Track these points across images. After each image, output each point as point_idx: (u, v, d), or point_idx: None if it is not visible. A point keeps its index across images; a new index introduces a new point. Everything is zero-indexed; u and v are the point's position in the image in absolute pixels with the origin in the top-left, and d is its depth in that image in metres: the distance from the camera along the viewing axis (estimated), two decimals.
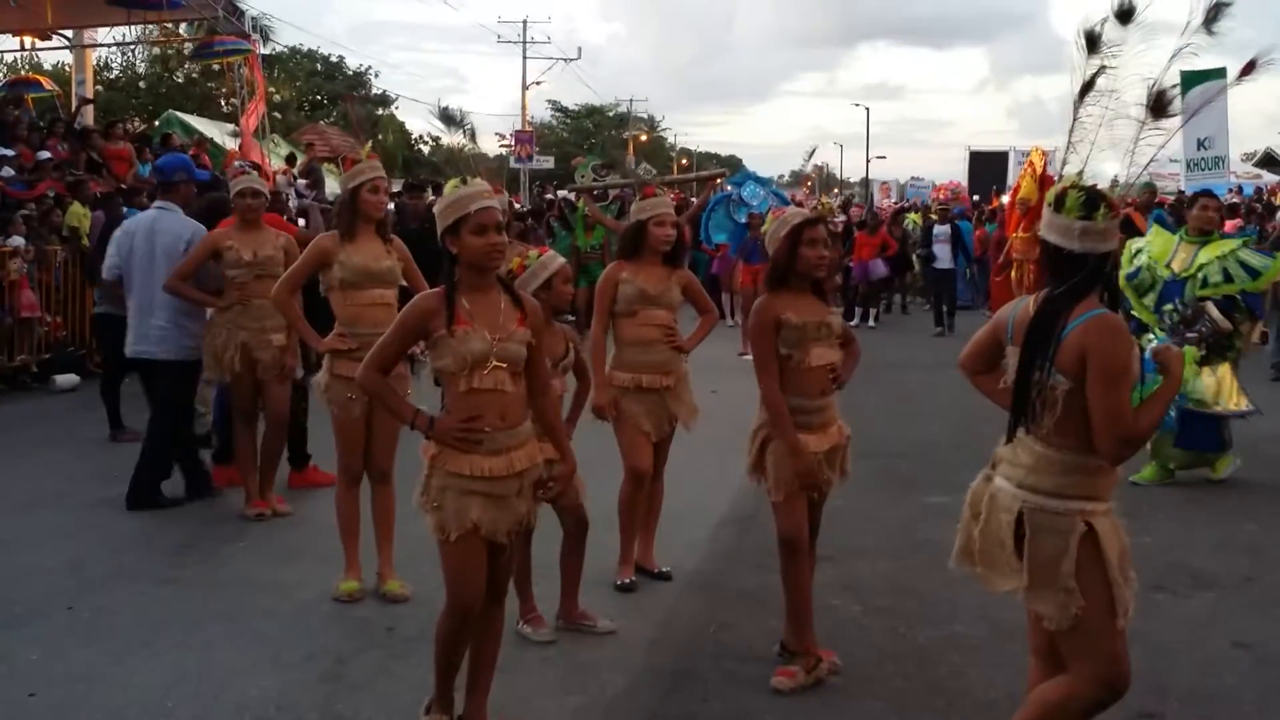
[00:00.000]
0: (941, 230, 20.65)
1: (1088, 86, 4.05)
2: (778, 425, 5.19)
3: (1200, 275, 8.64)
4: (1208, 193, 9.56)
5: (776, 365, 5.21)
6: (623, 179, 19.41)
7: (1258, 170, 36.83)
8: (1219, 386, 8.72)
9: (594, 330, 6.60)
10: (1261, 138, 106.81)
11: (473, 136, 4.71)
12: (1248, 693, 5.22)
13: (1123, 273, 9.04)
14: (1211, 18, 3.99)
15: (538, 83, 55.05)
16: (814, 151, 35.36)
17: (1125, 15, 4.08)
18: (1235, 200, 24.27)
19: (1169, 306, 8.62)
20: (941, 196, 30.22)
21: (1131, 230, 15.95)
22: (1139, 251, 9.17)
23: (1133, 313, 9.03)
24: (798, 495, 5.21)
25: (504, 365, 4.33)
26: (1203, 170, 25.65)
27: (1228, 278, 8.61)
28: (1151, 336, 8.69)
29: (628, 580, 6.47)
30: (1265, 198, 25.09)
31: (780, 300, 5.22)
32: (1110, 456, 3.70)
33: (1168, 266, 8.82)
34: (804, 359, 5.19)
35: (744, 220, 18.17)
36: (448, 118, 4.72)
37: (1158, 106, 3.95)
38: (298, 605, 6.19)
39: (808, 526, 5.30)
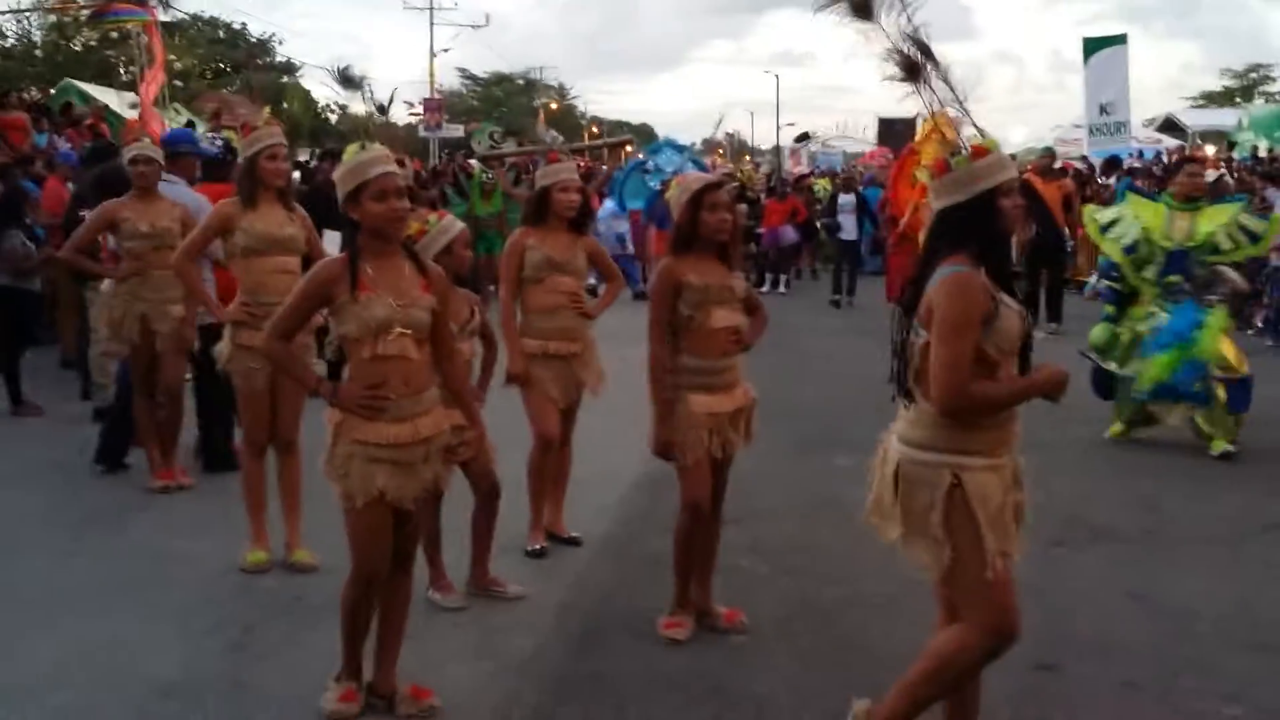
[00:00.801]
0: (846, 200, 20.16)
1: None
2: (652, 384, 5.31)
3: (1209, 243, 8.61)
4: (1193, 159, 9.64)
5: (667, 329, 5.28)
6: (521, 146, 19.39)
7: (1158, 135, 37.46)
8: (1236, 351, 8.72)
9: (503, 298, 6.61)
10: (1159, 102, 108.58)
11: (374, 101, 4.66)
12: (1143, 643, 5.36)
13: (1116, 244, 8.92)
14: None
15: (445, 50, 54.65)
16: (721, 120, 34.75)
17: None
18: (1136, 164, 24.71)
19: (1173, 277, 8.64)
20: (877, 164, 29.91)
21: (1032, 196, 16.19)
22: (1114, 222, 9.05)
23: (1112, 285, 9.03)
24: (703, 460, 5.28)
25: (408, 331, 4.32)
26: (1105, 135, 26.02)
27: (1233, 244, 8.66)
28: (1154, 310, 8.74)
29: (538, 546, 6.50)
30: (1169, 160, 25.53)
31: (683, 264, 5.26)
32: (938, 407, 3.76)
33: (1168, 237, 8.69)
34: (706, 320, 5.24)
35: (658, 187, 18.12)
36: (347, 79, 4.68)
37: (908, 69, 4.02)
38: (204, 576, 6.14)
39: (710, 491, 5.37)
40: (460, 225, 5.57)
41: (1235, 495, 7.73)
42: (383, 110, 4.87)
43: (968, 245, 3.86)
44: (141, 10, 19.24)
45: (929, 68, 3.91)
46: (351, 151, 4.40)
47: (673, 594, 5.43)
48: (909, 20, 3.86)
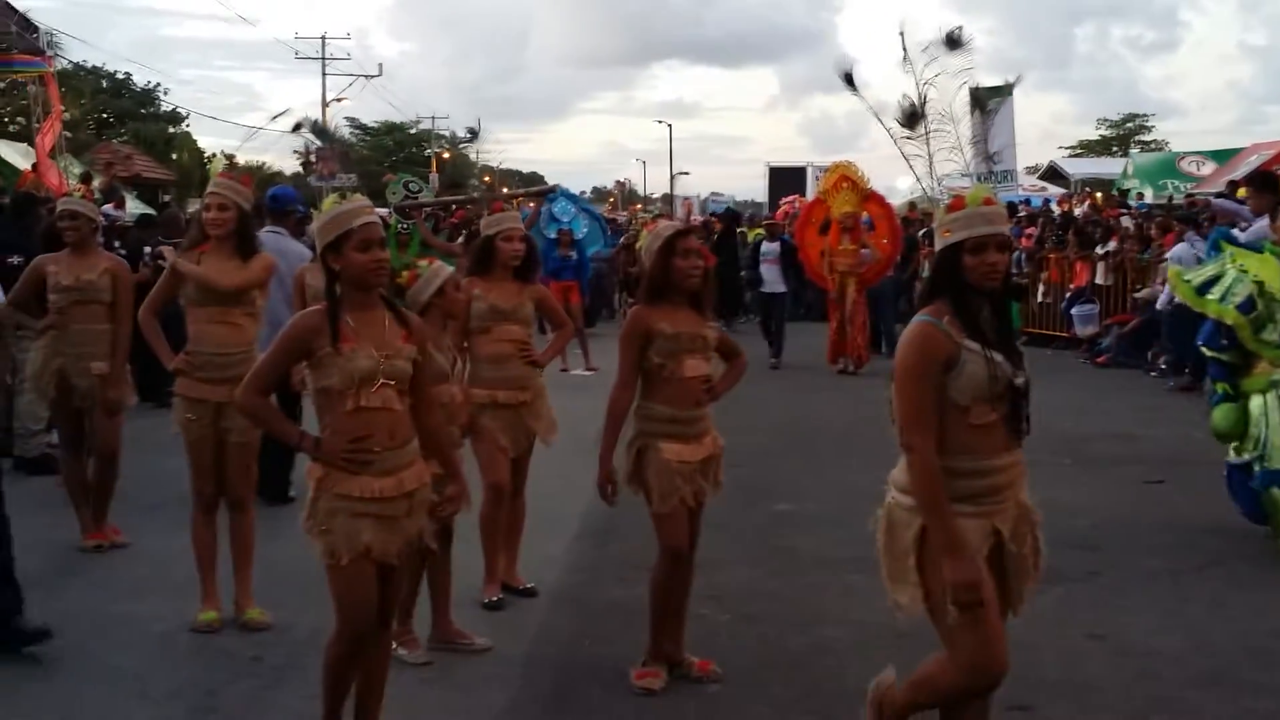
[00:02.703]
0: (770, 249, 17.85)
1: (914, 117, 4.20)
2: (607, 424, 5.32)
3: None
4: None
5: (635, 377, 5.29)
6: (439, 196, 19.23)
7: (1042, 183, 38.44)
8: None
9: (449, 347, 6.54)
10: (1037, 152, 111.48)
11: (347, 147, 4.64)
12: (1111, 682, 5.44)
13: (1228, 305, 7.46)
14: (953, 41, 4.21)
15: (338, 99, 54.11)
16: (679, 175, 32.86)
17: (953, 42, 4.31)
18: (1026, 213, 25.26)
19: None
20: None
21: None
22: (1213, 281, 7.68)
23: (1219, 357, 7.69)
24: (679, 507, 5.26)
25: (392, 383, 4.26)
26: (994, 183, 26.62)
27: None
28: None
29: (495, 598, 6.41)
30: (1063, 208, 26.17)
31: (655, 312, 5.27)
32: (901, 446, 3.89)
33: None
34: (677, 369, 5.25)
35: (553, 236, 18.06)
36: (320, 131, 4.65)
37: (911, 119, 4.13)
38: (156, 638, 5.96)
39: (689, 539, 5.36)
40: (449, 269, 5.59)
41: (1169, 534, 7.89)
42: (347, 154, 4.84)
43: (939, 294, 3.94)
44: (40, 61, 18.91)
45: (928, 118, 4.00)
46: (331, 202, 4.35)
47: (646, 644, 5.38)
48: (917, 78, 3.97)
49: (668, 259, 5.27)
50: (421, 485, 4.39)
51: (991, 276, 3.90)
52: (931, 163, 4.16)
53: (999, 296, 4.02)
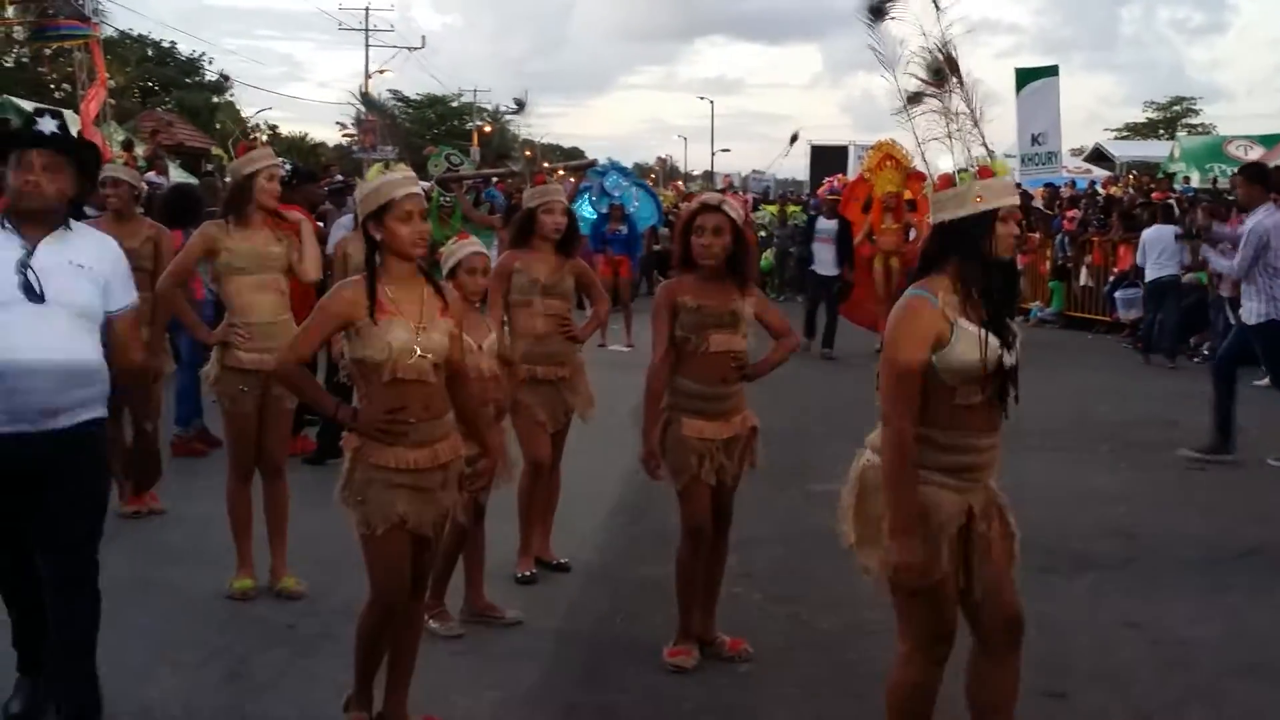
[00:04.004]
0: (827, 227, 16.26)
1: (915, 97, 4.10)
2: (645, 397, 5.28)
3: None
4: None
5: (667, 348, 5.24)
6: (477, 169, 19.20)
7: (1087, 165, 38.08)
8: None
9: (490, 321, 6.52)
10: (1081, 134, 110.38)
11: (393, 118, 4.64)
12: (1146, 670, 5.40)
13: None
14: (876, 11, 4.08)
15: (381, 71, 54.20)
16: (795, 138, 30.31)
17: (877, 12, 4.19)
18: (1071, 194, 25.05)
19: None
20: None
21: None
22: None
23: None
24: (698, 482, 5.23)
25: (428, 355, 4.25)
26: (1037, 165, 26.32)
27: None
28: None
29: (528, 572, 6.42)
30: (1105, 191, 25.92)
31: (683, 284, 5.23)
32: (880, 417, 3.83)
33: None
34: (702, 344, 5.20)
35: (605, 210, 18.01)
36: (370, 102, 4.65)
37: (937, 76, 4.03)
38: (188, 605, 6.00)
39: (710, 514, 5.32)
40: (468, 251, 5.48)
41: (1208, 522, 7.81)
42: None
43: (948, 263, 3.85)
44: (85, 27, 18.96)
45: (953, 79, 3.91)
46: (375, 171, 4.34)
47: (677, 622, 5.37)
48: (942, 28, 3.87)
49: (685, 235, 5.24)
50: (456, 458, 4.39)
51: (1013, 248, 3.92)
52: (952, 131, 4.01)
53: (1002, 270, 3.97)
